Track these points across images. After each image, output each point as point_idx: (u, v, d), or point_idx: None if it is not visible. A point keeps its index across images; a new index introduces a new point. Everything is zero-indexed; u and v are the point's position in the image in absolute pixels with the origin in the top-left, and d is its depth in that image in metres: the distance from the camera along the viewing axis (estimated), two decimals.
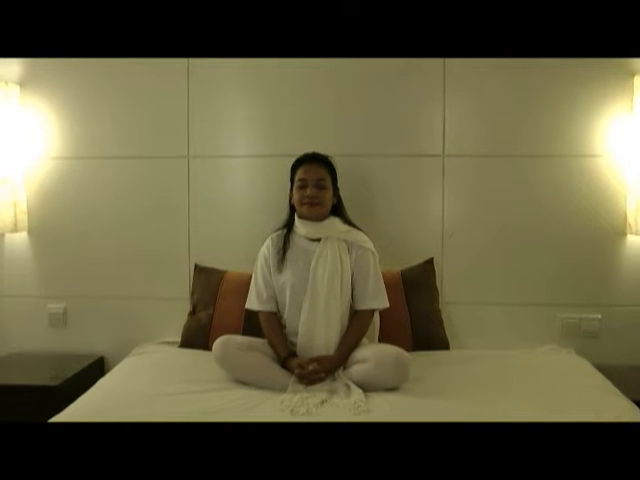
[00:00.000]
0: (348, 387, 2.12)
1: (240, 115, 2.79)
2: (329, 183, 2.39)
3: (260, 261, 2.42)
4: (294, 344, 2.32)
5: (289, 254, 2.37)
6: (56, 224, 2.85)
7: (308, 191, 2.34)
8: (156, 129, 2.80)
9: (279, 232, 2.44)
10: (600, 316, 2.71)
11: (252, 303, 2.41)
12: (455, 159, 2.72)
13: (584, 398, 2.09)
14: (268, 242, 2.43)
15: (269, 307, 2.38)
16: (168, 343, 2.70)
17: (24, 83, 2.82)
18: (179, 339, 2.67)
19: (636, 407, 2.03)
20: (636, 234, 2.63)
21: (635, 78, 2.61)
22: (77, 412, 1.98)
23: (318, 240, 2.36)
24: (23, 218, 2.83)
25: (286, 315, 2.36)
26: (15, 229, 2.79)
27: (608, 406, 2.02)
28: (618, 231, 2.69)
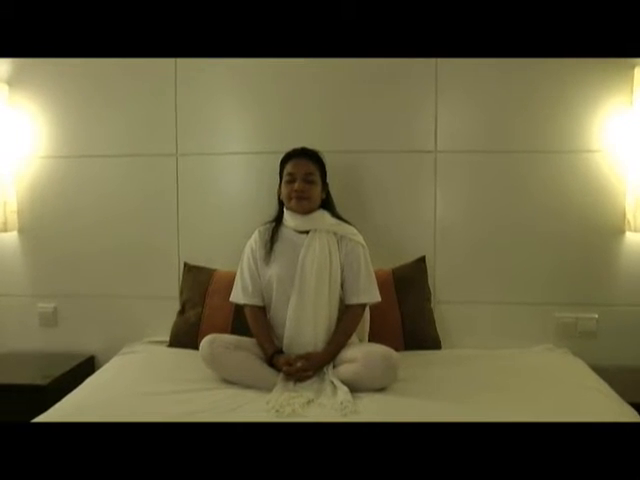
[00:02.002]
0: (335, 386, 2.08)
1: (229, 112, 2.77)
2: (318, 178, 2.37)
3: (247, 253, 2.40)
4: (281, 339, 2.29)
5: (277, 246, 2.35)
6: (46, 223, 2.85)
7: (296, 185, 2.32)
8: (144, 127, 2.78)
9: (267, 225, 2.42)
10: (597, 316, 2.67)
11: (237, 296, 2.38)
12: (448, 155, 2.68)
13: (579, 400, 2.05)
14: (255, 235, 2.41)
15: (255, 301, 2.35)
16: (157, 342, 2.69)
17: (12, 82, 2.80)
18: (168, 338, 2.65)
19: (633, 410, 1.99)
20: (635, 231, 2.58)
21: (635, 70, 2.56)
22: (62, 411, 1.96)
23: (307, 233, 2.34)
24: (13, 217, 2.82)
25: (273, 309, 2.34)
26: (5, 229, 2.77)
27: (604, 409, 1.98)
28: (616, 228, 2.64)
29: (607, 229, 2.64)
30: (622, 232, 2.64)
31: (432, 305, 2.65)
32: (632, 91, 2.57)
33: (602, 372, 2.34)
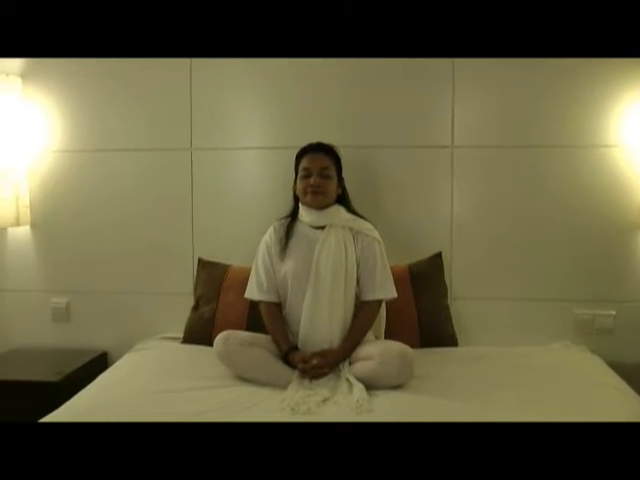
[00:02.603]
0: (351, 384, 2.06)
1: (245, 106, 2.75)
2: (333, 173, 2.35)
3: (262, 249, 2.38)
4: (296, 336, 2.27)
5: (292, 242, 2.33)
6: (59, 218, 2.83)
7: (312, 180, 2.30)
8: (159, 121, 2.77)
9: (282, 221, 2.41)
10: (614, 312, 2.64)
11: (252, 293, 2.37)
12: (464, 150, 2.66)
13: (596, 398, 2.02)
14: (271, 230, 2.40)
15: (270, 297, 2.33)
16: (171, 338, 2.67)
17: (26, 75, 2.79)
18: (182, 334, 2.63)
19: None
20: None
21: None
22: (73, 410, 1.94)
23: (322, 228, 2.32)
24: (25, 212, 2.80)
25: (288, 306, 2.32)
26: (17, 223, 2.76)
27: (622, 407, 1.95)
28: (634, 224, 2.60)
29: (624, 225, 2.61)
30: (639, 228, 2.60)
31: (449, 301, 2.63)
32: None
33: (619, 369, 2.31)
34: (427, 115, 2.67)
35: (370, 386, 2.04)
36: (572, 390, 2.08)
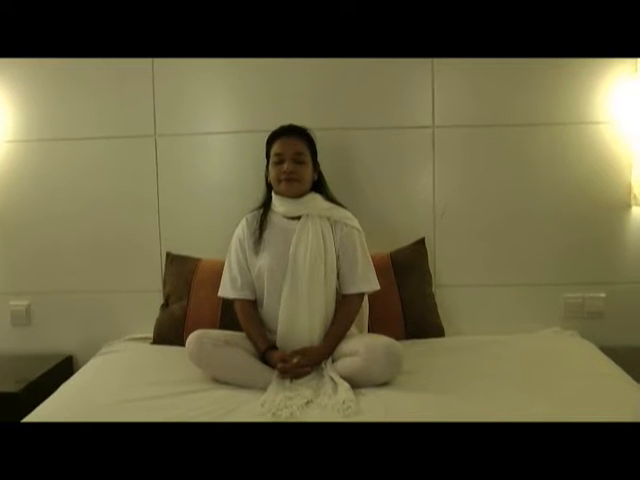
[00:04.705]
0: (335, 383, 1.96)
1: (211, 88, 2.63)
2: (308, 157, 2.24)
3: (234, 244, 2.27)
4: (274, 334, 2.16)
5: (266, 235, 2.22)
6: (15, 213, 2.68)
7: (285, 166, 2.19)
8: (120, 106, 2.63)
9: (255, 212, 2.29)
10: (604, 295, 2.59)
11: (225, 290, 2.26)
12: (446, 130, 2.58)
13: (595, 387, 1.96)
14: (243, 223, 2.28)
15: (244, 294, 2.22)
16: (140, 339, 2.55)
17: None
18: (152, 335, 2.51)
19: None
20: None
21: None
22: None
23: (298, 218, 2.21)
24: None
25: (264, 303, 2.21)
26: None
27: (622, 396, 1.88)
28: (623, 203, 2.55)
29: (613, 204, 2.56)
30: (629, 207, 2.55)
31: (433, 290, 2.56)
32: (637, 59, 2.47)
33: (611, 353, 2.28)
34: (405, 93, 2.59)
35: (355, 384, 1.95)
36: (571, 380, 2.01)
